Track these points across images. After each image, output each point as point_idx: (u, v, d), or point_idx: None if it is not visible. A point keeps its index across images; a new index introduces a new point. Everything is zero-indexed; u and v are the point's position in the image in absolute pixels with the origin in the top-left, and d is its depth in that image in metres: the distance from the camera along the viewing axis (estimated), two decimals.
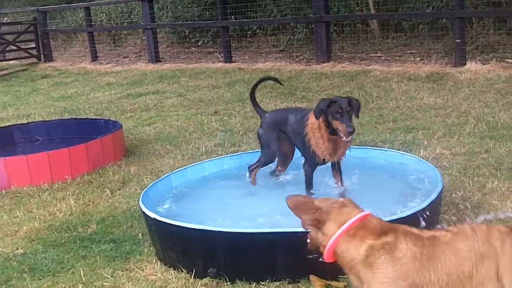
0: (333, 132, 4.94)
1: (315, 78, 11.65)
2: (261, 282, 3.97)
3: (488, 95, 8.94)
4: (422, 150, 6.55)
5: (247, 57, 15.64)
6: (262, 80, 5.92)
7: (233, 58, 15.18)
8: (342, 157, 5.16)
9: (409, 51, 13.41)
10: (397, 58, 13.04)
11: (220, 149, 7.40)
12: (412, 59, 12.69)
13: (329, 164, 5.24)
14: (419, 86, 10.02)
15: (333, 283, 3.91)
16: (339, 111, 4.82)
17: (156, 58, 16.29)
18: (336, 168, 5.29)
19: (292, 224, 4.57)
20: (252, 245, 4.04)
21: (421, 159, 5.53)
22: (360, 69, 12.07)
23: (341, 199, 3.11)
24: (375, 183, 5.46)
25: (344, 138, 4.87)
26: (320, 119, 4.92)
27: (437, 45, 13.29)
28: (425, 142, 6.87)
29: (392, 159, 5.72)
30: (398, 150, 6.14)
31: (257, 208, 4.96)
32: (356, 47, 14.65)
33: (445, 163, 6.07)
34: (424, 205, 4.19)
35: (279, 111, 5.77)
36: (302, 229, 3.91)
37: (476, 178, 5.60)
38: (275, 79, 6.23)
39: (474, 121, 7.60)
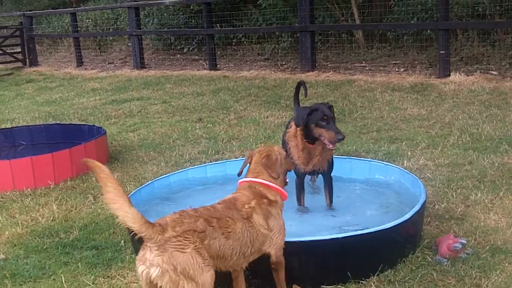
0: (313, 140, 4.90)
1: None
2: None
3: (472, 106, 9.01)
4: (405, 161, 6.58)
5: (232, 65, 15.65)
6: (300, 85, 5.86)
7: (218, 65, 15.18)
8: (321, 167, 5.06)
9: (393, 62, 13.49)
10: (381, 68, 13.12)
11: (204, 156, 7.39)
12: (397, 70, 12.76)
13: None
14: (403, 96, 10.08)
15: None
16: (324, 119, 4.78)
17: (141, 65, 16.26)
18: (325, 184, 5.22)
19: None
20: None
21: (404, 170, 5.55)
22: (345, 79, 12.12)
23: None
24: (358, 194, 5.48)
25: (330, 146, 4.83)
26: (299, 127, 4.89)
27: (422, 56, 13.39)
28: (409, 153, 6.90)
29: (376, 170, 5.74)
30: (382, 160, 6.16)
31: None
32: (340, 56, 14.71)
33: (428, 174, 6.10)
34: (407, 216, 4.20)
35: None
36: (287, 239, 3.93)
37: (459, 190, 5.64)
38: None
39: (457, 132, 7.65)
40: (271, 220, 3.67)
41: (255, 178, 3.82)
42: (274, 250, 3.67)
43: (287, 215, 5.01)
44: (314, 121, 4.80)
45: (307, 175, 5.22)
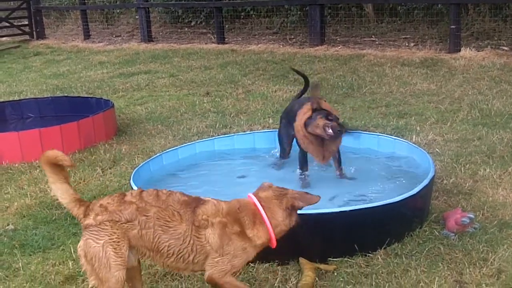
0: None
1: (308, 61, 11.62)
2: (250, 263, 3.97)
3: (482, 82, 8.95)
4: (414, 136, 6.55)
5: (240, 38, 15.56)
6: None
7: (226, 39, 15.10)
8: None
9: (403, 36, 13.38)
10: (391, 43, 13.02)
11: (212, 130, 7.38)
12: (406, 44, 12.67)
13: None
14: (412, 71, 10.02)
15: (322, 266, 3.92)
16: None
17: (148, 38, 16.18)
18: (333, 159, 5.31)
19: None
20: None
21: (413, 144, 5.53)
22: (354, 53, 12.04)
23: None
24: (366, 168, 5.47)
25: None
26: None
27: (432, 30, 13.27)
28: (418, 128, 6.87)
29: (384, 144, 5.72)
30: (390, 135, 6.13)
31: (247, 190, 4.94)
32: (350, 31, 14.60)
33: (437, 150, 6.08)
34: (415, 190, 4.20)
35: None
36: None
37: (468, 165, 5.62)
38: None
39: (467, 108, 7.60)
40: (228, 246, 3.27)
41: (261, 206, 3.36)
42: (212, 270, 3.29)
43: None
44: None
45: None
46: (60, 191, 3.26)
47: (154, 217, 3.18)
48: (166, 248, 3.23)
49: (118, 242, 3.15)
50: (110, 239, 3.14)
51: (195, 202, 3.31)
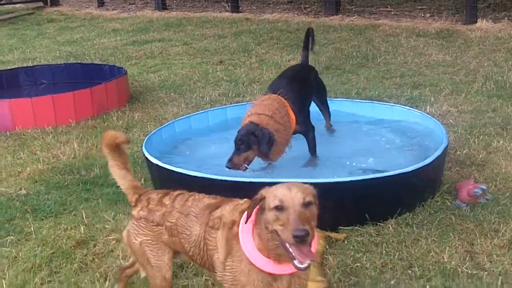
0: None
1: (322, 30, 11.50)
2: None
3: (498, 54, 8.83)
4: (428, 107, 6.50)
5: (254, 7, 15.42)
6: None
7: (240, 8, 14.97)
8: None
9: (419, 7, 13.21)
10: (407, 13, 12.85)
11: (224, 98, 7.36)
12: (422, 15, 12.50)
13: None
14: (428, 42, 9.90)
15: (333, 234, 3.92)
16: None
17: (162, 6, 16.07)
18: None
19: (290, 175, 4.60)
20: (252, 193, 4.04)
21: (427, 115, 5.48)
22: (369, 23, 11.90)
23: None
24: (379, 138, 5.44)
25: None
26: None
27: (448, 1, 13.08)
28: (432, 99, 6.81)
29: (398, 115, 5.68)
30: (404, 105, 6.08)
31: (258, 158, 4.96)
32: (365, 0, 14.42)
33: (451, 121, 6.03)
34: (428, 161, 4.17)
35: None
36: (303, 180, 3.93)
37: (481, 136, 5.57)
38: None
39: (482, 79, 7.52)
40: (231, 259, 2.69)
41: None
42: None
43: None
44: None
45: None
46: (118, 176, 3.15)
47: (177, 223, 2.89)
48: (194, 256, 2.90)
49: (154, 244, 2.96)
50: (146, 239, 2.97)
51: (219, 203, 2.90)
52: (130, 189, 3.14)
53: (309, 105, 5.24)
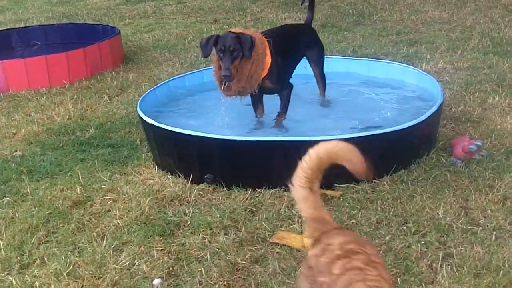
0: None
1: None
2: (257, 189, 4.00)
3: (494, 10, 8.77)
4: (424, 64, 6.47)
5: None
6: None
7: None
8: (244, 94, 4.62)
9: None
10: None
11: None
12: None
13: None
14: None
15: (329, 192, 3.94)
16: (221, 49, 4.37)
17: None
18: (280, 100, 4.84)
19: (289, 133, 4.60)
20: (248, 152, 4.06)
21: (423, 72, 5.46)
22: None
23: None
24: (375, 95, 5.43)
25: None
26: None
27: None
28: (428, 56, 6.78)
29: (394, 72, 5.65)
30: (400, 63, 6.04)
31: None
32: None
33: (447, 78, 6.01)
34: (423, 117, 4.17)
35: None
36: (298, 138, 3.94)
37: (477, 93, 5.56)
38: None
39: (478, 36, 7.47)
40: None
41: None
42: None
43: (306, 112, 5.04)
44: (216, 51, 4.43)
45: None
46: (299, 197, 2.40)
47: None
48: None
49: None
50: None
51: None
52: (313, 221, 2.36)
53: (293, 66, 5.03)
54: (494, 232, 3.42)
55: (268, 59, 4.55)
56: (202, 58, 4.55)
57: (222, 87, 4.52)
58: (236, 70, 4.36)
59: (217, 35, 4.46)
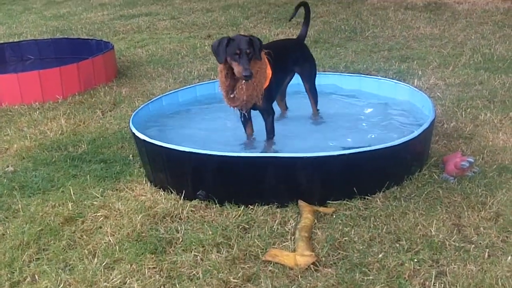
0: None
1: (311, 4, 11.27)
2: (249, 205, 3.99)
3: (485, 26, 8.84)
4: (416, 80, 6.50)
5: None
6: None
7: None
8: (253, 103, 4.56)
9: None
10: None
11: (213, 73, 7.32)
12: None
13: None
14: (416, 15, 9.88)
15: (321, 208, 3.93)
16: (237, 52, 4.32)
17: None
18: (264, 121, 4.76)
19: (281, 149, 4.60)
20: (241, 168, 4.05)
21: (414, 88, 5.48)
22: None
23: None
24: (367, 111, 5.44)
25: (243, 83, 4.42)
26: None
27: None
28: (420, 72, 6.81)
29: (386, 88, 5.67)
30: (392, 79, 6.07)
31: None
32: None
33: (438, 94, 6.04)
34: (415, 133, 4.18)
35: None
36: (290, 154, 3.94)
37: (469, 109, 5.58)
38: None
39: (469, 52, 7.52)
40: None
41: None
42: None
43: (297, 128, 5.05)
44: (229, 54, 4.37)
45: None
46: None
47: None
48: None
49: None
50: None
51: None
52: None
53: (281, 84, 5.05)
54: (487, 250, 3.41)
55: (269, 71, 4.58)
56: (219, 63, 4.48)
57: (229, 97, 4.54)
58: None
59: (228, 37, 4.44)
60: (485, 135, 5.01)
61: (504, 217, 3.74)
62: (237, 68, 4.34)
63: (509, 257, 3.32)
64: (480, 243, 3.49)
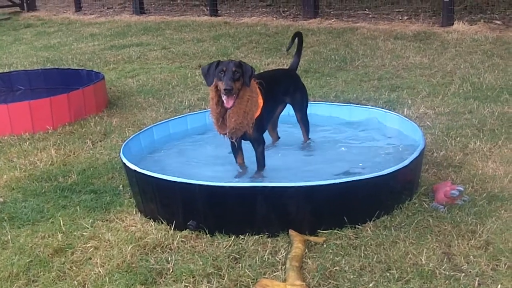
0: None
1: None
2: (240, 235, 3.98)
3: (474, 56, 8.93)
4: (406, 109, 6.55)
5: (233, 11, 15.44)
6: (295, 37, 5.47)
7: (219, 11, 14.98)
8: (243, 132, 4.58)
9: (396, 10, 13.30)
10: (384, 16, 12.94)
11: (204, 103, 7.34)
12: (400, 18, 12.59)
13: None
14: (405, 45, 9.98)
15: (312, 238, 3.93)
16: (223, 70, 4.35)
17: (140, 10, 16.02)
18: (255, 152, 4.79)
19: (272, 179, 4.60)
20: (232, 198, 4.05)
21: (404, 117, 5.52)
22: (347, 26, 11.98)
23: None
24: (356, 141, 5.46)
25: (225, 103, 4.42)
26: (213, 86, 4.50)
27: (425, 4, 13.19)
28: (409, 101, 6.86)
29: (375, 117, 5.70)
30: (382, 108, 6.11)
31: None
32: (343, 3, 14.49)
33: (428, 123, 6.08)
34: (405, 163, 4.20)
35: None
36: (281, 184, 3.95)
37: (458, 138, 5.62)
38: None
39: (459, 81, 7.60)
40: None
41: None
42: None
43: (288, 157, 5.05)
44: (217, 74, 4.42)
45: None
46: None
47: None
48: None
49: None
50: None
51: None
52: None
53: (273, 113, 5.10)
54: (477, 278, 3.42)
55: (261, 100, 4.61)
56: (208, 85, 4.53)
57: (219, 124, 4.56)
58: (237, 91, 4.39)
59: (218, 60, 4.51)
60: (474, 163, 5.04)
61: (494, 245, 3.75)
62: (220, 85, 4.38)
63: (499, 286, 3.33)
64: (470, 272, 3.49)
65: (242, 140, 4.79)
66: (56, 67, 9.71)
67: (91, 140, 6.24)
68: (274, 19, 13.66)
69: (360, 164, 4.87)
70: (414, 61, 8.86)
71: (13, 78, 8.42)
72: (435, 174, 4.88)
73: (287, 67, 5.66)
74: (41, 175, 5.36)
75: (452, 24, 11.05)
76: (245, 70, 4.42)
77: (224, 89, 4.31)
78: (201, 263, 3.70)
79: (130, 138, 5.22)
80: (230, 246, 3.90)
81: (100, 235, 4.16)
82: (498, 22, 11.25)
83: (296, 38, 5.47)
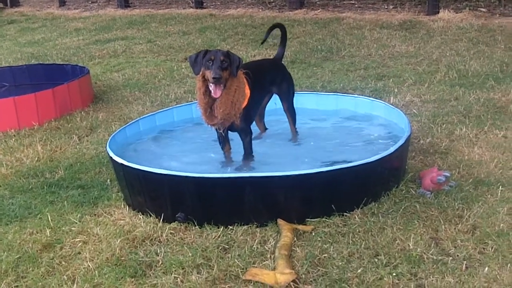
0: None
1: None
2: (229, 226, 3.99)
3: (459, 43, 8.96)
4: (392, 97, 6.57)
5: (218, 3, 15.38)
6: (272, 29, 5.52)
7: (204, 4, 14.92)
8: (227, 123, 4.58)
9: None
10: (370, 5, 12.94)
11: (190, 95, 7.33)
12: (385, 7, 12.60)
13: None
14: (391, 34, 9.98)
15: (300, 226, 3.94)
16: (210, 59, 4.36)
17: (125, 3, 15.92)
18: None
19: (260, 169, 4.61)
20: (220, 189, 4.05)
21: (390, 105, 5.54)
22: (333, 17, 11.96)
23: None
24: (343, 130, 5.48)
25: (213, 93, 4.43)
26: (200, 75, 4.50)
27: None
28: (396, 90, 6.88)
29: (362, 106, 5.72)
30: (368, 97, 6.12)
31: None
32: None
33: (414, 110, 6.10)
34: (392, 150, 4.21)
35: None
36: (268, 173, 3.95)
37: (444, 125, 5.65)
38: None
39: (445, 69, 7.62)
40: None
41: None
42: None
43: (276, 147, 5.06)
44: (204, 63, 4.42)
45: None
46: None
47: None
48: None
49: None
50: None
51: None
52: None
53: (259, 104, 5.10)
54: (464, 262, 3.44)
55: (248, 90, 4.61)
56: (195, 74, 4.53)
57: (207, 115, 4.55)
58: (225, 81, 4.39)
59: (206, 49, 4.52)
60: (460, 149, 5.07)
61: (481, 229, 3.78)
62: (208, 74, 4.37)
63: (486, 268, 3.36)
64: (457, 256, 3.52)
65: (229, 131, 4.79)
66: (41, 62, 9.65)
67: (78, 135, 6.21)
68: (260, 10, 13.63)
69: (348, 152, 4.88)
70: (400, 50, 8.88)
71: None
72: (422, 160, 4.90)
73: (272, 57, 5.65)
74: (28, 171, 5.34)
75: (438, 12, 11.06)
76: (232, 60, 4.42)
77: (213, 78, 4.30)
78: (190, 254, 3.70)
79: (117, 131, 5.20)
80: (219, 237, 3.90)
81: (88, 230, 4.15)
82: (483, 10, 11.28)
83: (280, 29, 5.46)
